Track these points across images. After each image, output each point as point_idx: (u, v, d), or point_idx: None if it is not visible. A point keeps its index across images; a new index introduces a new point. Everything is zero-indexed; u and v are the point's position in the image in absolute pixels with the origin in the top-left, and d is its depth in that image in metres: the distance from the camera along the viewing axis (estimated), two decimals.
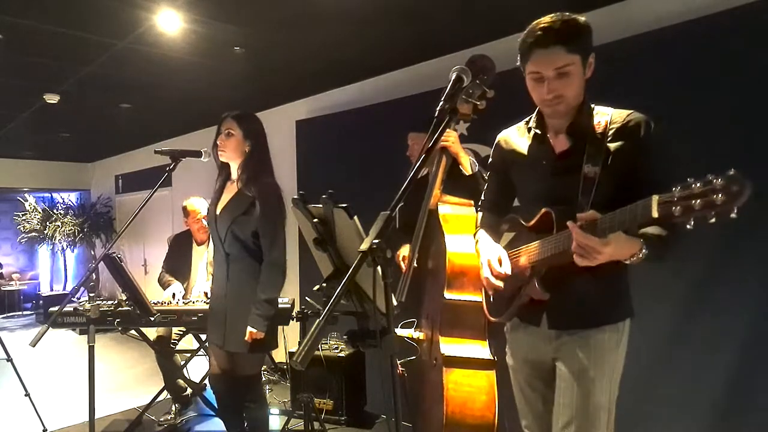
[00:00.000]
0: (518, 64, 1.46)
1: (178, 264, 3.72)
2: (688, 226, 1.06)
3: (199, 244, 3.74)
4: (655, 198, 1.11)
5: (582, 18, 1.37)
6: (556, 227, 1.43)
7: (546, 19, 1.37)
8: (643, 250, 1.30)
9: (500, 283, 1.56)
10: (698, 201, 1.03)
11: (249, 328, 2.27)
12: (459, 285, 2.09)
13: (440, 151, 2.29)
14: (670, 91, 2.34)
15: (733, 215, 1.00)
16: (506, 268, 1.55)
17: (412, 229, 2.41)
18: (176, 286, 3.48)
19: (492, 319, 1.72)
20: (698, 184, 1.04)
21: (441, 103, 1.32)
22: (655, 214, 1.10)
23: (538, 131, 1.54)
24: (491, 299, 1.73)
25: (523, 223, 1.58)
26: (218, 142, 2.42)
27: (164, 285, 3.60)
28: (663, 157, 1.40)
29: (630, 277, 1.51)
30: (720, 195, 1.00)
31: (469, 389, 2.03)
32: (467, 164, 2.33)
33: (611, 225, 1.23)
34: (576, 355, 1.47)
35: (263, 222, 2.32)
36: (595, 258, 1.26)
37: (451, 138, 2.28)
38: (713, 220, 1.02)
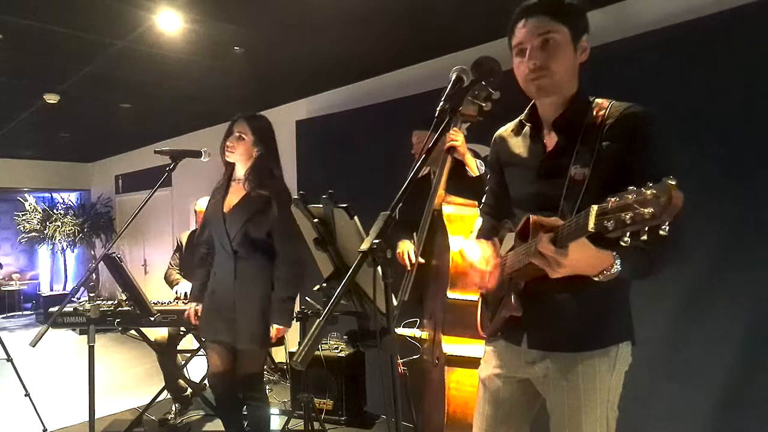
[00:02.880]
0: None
1: (189, 262, 3.70)
2: (621, 243, 0.91)
3: None
4: (594, 208, 0.96)
5: None
6: (532, 235, 1.28)
7: None
8: (616, 266, 1.13)
9: (492, 281, 1.42)
10: (629, 214, 0.88)
11: (275, 326, 2.35)
12: (462, 285, 2.10)
13: (447, 152, 2.29)
14: (669, 91, 2.34)
15: (662, 232, 0.86)
16: (491, 262, 1.42)
17: (411, 226, 2.41)
18: (185, 285, 3.47)
19: (481, 333, 1.61)
20: (632, 195, 0.89)
21: (441, 103, 1.30)
22: (591, 226, 0.96)
23: (529, 124, 1.43)
24: (483, 311, 1.63)
25: (513, 228, 1.46)
26: (228, 143, 2.43)
27: (171, 282, 3.58)
28: (665, 156, 1.24)
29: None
30: (648, 208, 0.86)
31: (471, 389, 2.03)
32: (474, 166, 2.33)
33: (567, 234, 1.09)
34: (562, 388, 1.36)
35: (283, 222, 2.31)
36: (556, 270, 1.13)
37: (459, 139, 2.28)
38: (645, 237, 0.87)
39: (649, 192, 0.86)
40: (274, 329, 2.36)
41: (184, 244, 3.80)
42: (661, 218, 0.85)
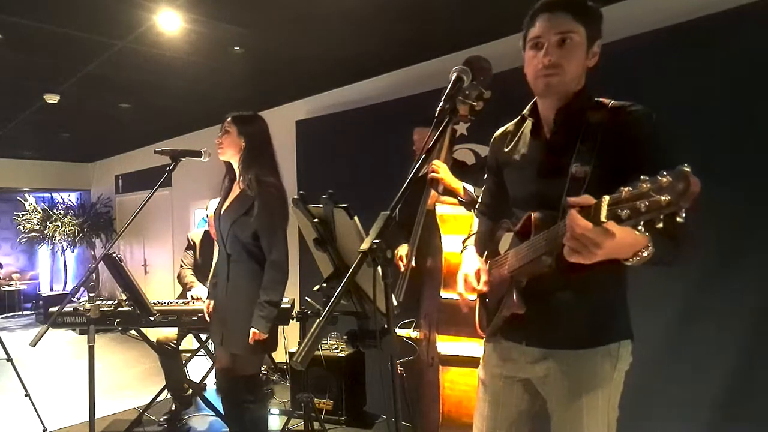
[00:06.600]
0: (520, 44, 1.38)
1: (203, 261, 3.67)
2: (636, 232, 0.93)
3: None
4: (606, 198, 0.96)
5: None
6: (534, 232, 1.29)
7: None
8: (649, 247, 1.07)
9: (472, 297, 1.52)
10: (644, 203, 0.88)
11: (252, 329, 2.29)
12: (455, 284, 2.09)
13: (429, 184, 2.24)
14: (670, 91, 2.34)
15: (679, 219, 0.86)
16: (482, 286, 1.48)
17: (409, 227, 2.41)
18: (200, 289, 3.44)
19: (480, 332, 1.61)
20: (646, 184, 0.89)
21: (441, 103, 1.30)
22: (603, 216, 0.96)
23: (530, 120, 1.42)
24: (481, 311, 1.62)
25: (512, 227, 1.45)
26: (216, 140, 2.47)
27: (186, 285, 3.55)
28: (667, 154, 1.23)
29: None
30: (665, 195, 0.86)
31: (466, 388, 2.03)
32: (461, 190, 2.31)
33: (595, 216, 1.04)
34: (563, 388, 1.35)
35: (260, 223, 2.33)
36: (594, 253, 1.03)
37: (441, 171, 2.22)
38: (660, 225, 0.88)
39: (664, 179, 0.86)
40: (251, 333, 2.29)
41: (197, 244, 3.73)
42: (679, 204, 0.85)
